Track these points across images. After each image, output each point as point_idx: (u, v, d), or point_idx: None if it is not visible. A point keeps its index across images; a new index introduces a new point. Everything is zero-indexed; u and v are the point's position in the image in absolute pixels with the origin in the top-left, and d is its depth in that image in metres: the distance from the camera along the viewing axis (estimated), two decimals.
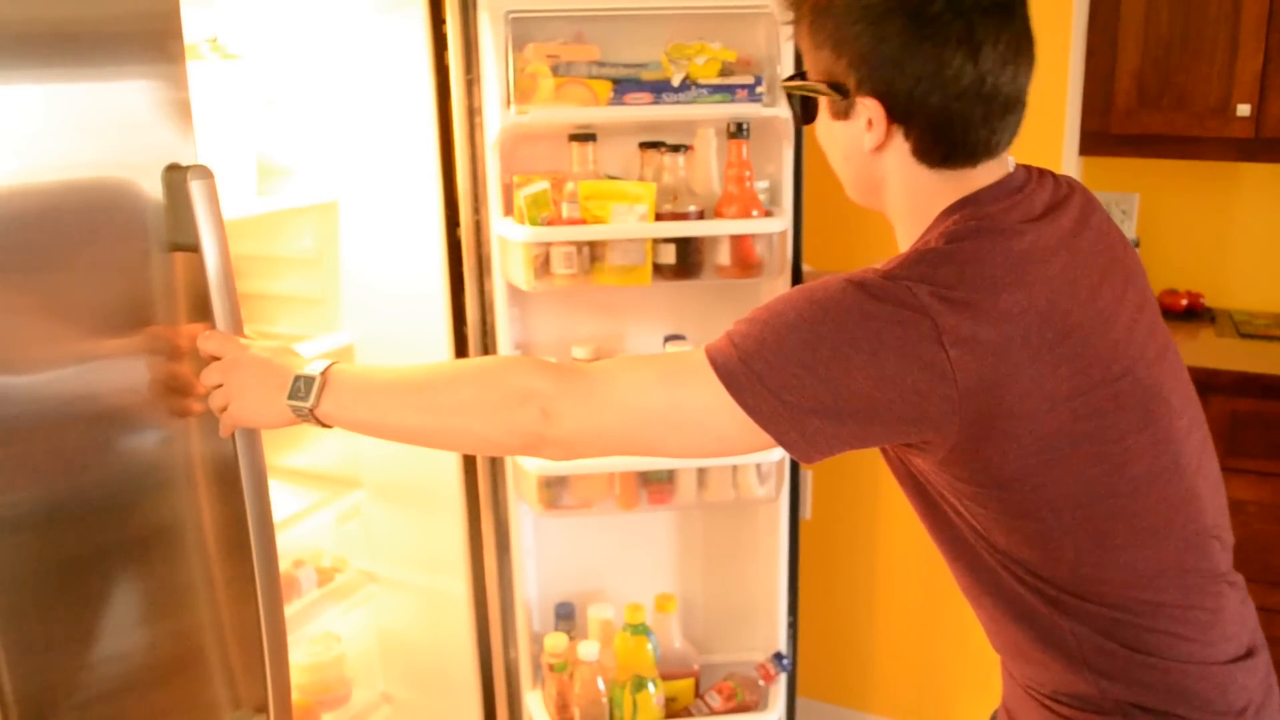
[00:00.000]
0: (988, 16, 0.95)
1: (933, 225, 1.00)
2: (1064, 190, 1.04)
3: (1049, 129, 2.19)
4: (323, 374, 1.06)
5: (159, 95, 1.02)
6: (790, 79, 1.09)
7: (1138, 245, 2.84)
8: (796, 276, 1.81)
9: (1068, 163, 2.26)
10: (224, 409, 1.08)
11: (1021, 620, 1.03)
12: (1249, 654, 1.03)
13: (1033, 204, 0.99)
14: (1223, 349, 2.44)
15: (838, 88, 1.01)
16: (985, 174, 1.01)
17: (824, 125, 1.07)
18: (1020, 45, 0.98)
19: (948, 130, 0.97)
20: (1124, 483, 0.96)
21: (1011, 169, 1.03)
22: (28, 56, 0.88)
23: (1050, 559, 0.98)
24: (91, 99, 0.95)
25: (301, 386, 1.05)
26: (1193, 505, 1.01)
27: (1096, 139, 2.53)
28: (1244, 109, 2.38)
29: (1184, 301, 2.73)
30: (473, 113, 1.73)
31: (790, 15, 1.07)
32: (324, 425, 1.08)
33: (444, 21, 1.67)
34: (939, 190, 1.01)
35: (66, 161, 0.93)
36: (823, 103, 1.05)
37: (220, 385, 1.07)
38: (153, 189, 1.02)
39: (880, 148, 1.01)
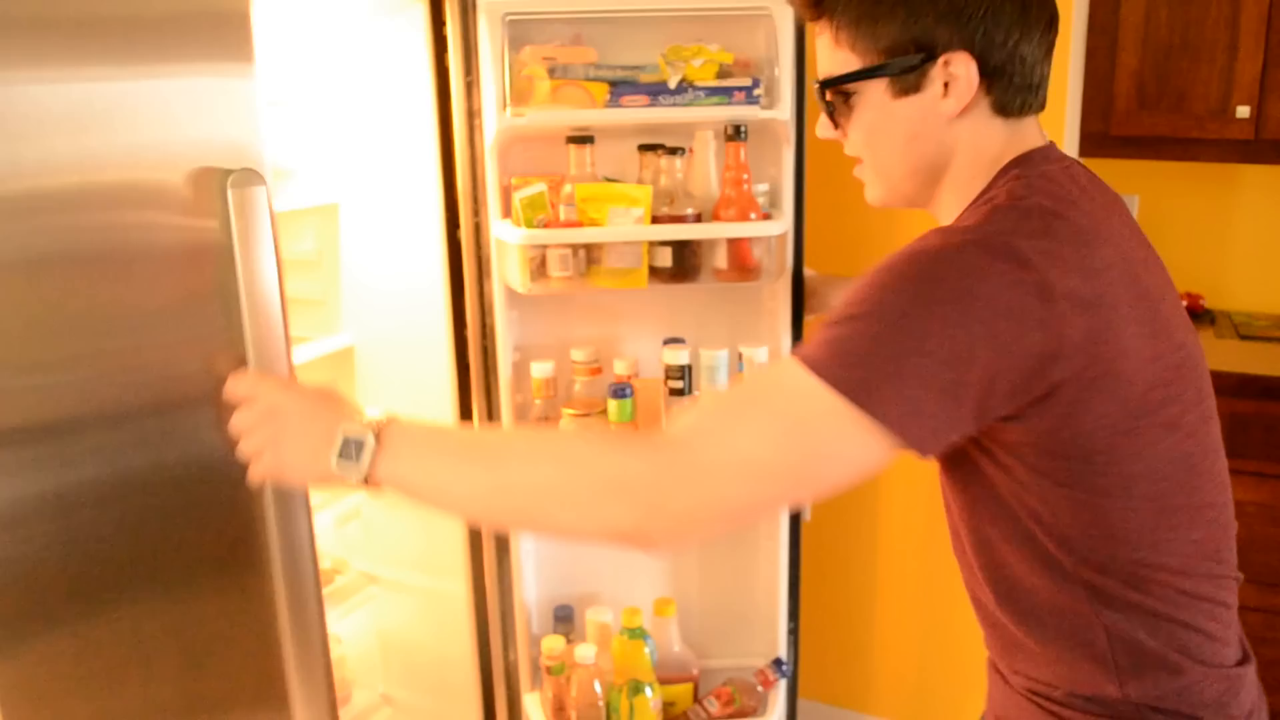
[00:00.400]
0: None
1: (991, 185, 0.97)
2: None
3: (1049, 130, 2.18)
4: (376, 433, 0.95)
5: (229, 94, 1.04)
6: (829, 82, 1.02)
7: None
8: (798, 280, 1.80)
9: None
10: (258, 456, 0.99)
11: (1055, 615, 0.99)
12: (1246, 659, 1.03)
13: (1075, 170, 0.99)
14: (1223, 350, 2.44)
15: (911, 56, 0.95)
16: (1035, 127, 1.01)
17: (877, 114, 1.01)
18: None
19: (1029, 75, 0.97)
20: (1185, 458, 0.95)
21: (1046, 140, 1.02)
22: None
23: (1113, 540, 0.94)
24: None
25: (352, 447, 0.95)
26: (1228, 489, 1.01)
27: (1096, 140, 2.54)
28: (1244, 111, 2.39)
29: (1184, 303, 2.74)
30: (472, 115, 1.73)
31: (815, 3, 1.01)
32: (374, 489, 0.97)
33: (444, 24, 1.68)
34: (1006, 143, 0.99)
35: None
36: (876, 88, 0.99)
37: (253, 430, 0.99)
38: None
39: (964, 111, 0.97)
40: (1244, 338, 2.53)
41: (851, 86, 1.00)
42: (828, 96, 1.03)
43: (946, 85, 0.96)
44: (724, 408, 0.90)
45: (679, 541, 0.89)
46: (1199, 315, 2.73)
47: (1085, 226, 0.91)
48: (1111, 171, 2.78)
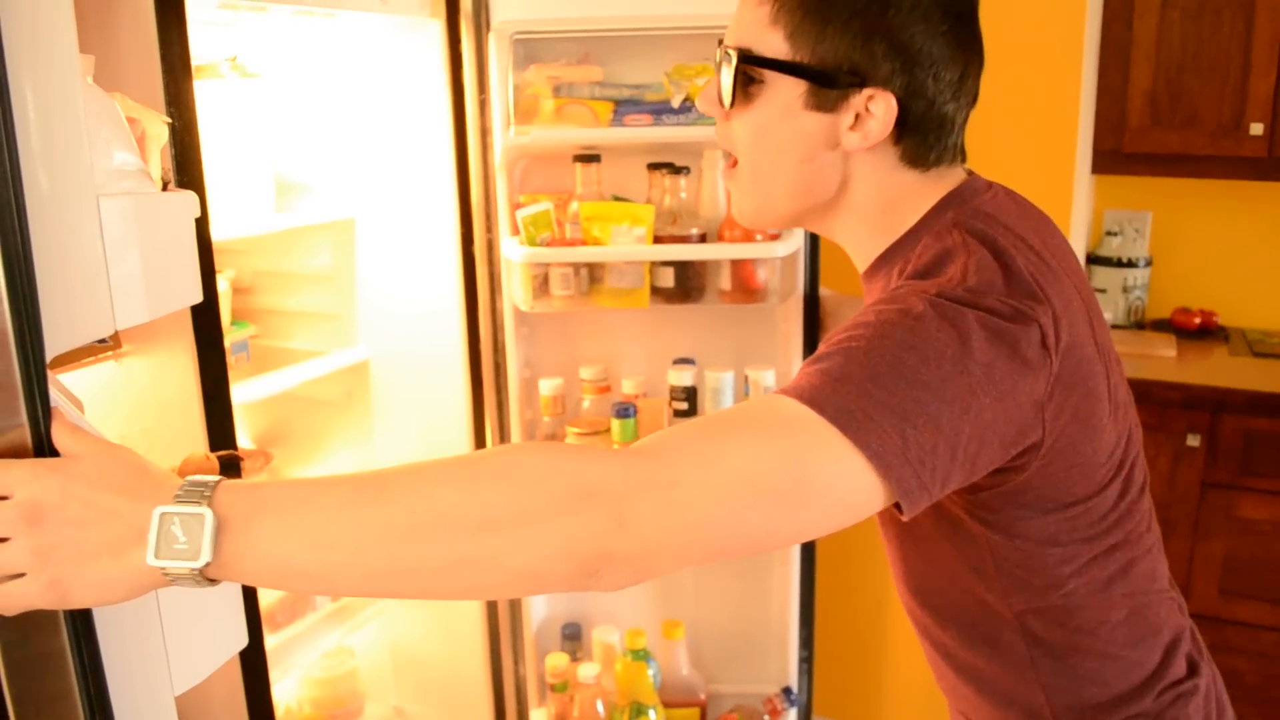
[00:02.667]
0: (974, 22, 0.94)
1: (925, 224, 0.94)
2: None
3: (1061, 148, 2.19)
4: (208, 499, 0.68)
5: None
6: (749, 57, 0.91)
7: (1150, 264, 2.83)
8: (811, 300, 1.80)
9: (1080, 181, 2.26)
10: (18, 578, 0.69)
11: (989, 681, 1.01)
12: (1193, 673, 1.02)
13: (1000, 195, 0.97)
14: (1236, 368, 2.43)
15: (838, 75, 0.88)
16: (957, 173, 0.98)
17: (774, 115, 0.92)
18: None
19: (947, 135, 0.94)
20: (1137, 483, 0.96)
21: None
22: None
23: (1053, 585, 0.94)
24: None
25: (177, 530, 0.67)
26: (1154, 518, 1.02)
27: (1109, 158, 2.54)
28: (1257, 128, 2.39)
29: (1197, 320, 2.73)
30: (485, 132, 1.75)
31: None
32: (213, 583, 0.70)
33: (460, 42, 1.69)
34: (922, 191, 0.95)
35: None
36: (788, 88, 0.91)
37: (6, 540, 0.68)
38: None
39: (867, 149, 0.92)
40: (1258, 355, 2.53)
41: (767, 73, 0.91)
42: (735, 72, 0.92)
43: (858, 117, 0.90)
44: (706, 424, 0.79)
45: (645, 569, 0.73)
46: (1212, 332, 2.73)
47: (1038, 257, 0.89)
48: (1124, 189, 2.80)
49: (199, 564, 0.67)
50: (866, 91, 0.89)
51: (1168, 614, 1.01)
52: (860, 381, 0.77)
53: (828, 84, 0.89)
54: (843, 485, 0.76)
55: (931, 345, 0.79)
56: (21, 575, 0.69)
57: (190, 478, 0.70)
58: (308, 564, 0.69)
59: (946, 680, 1.09)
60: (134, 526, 0.68)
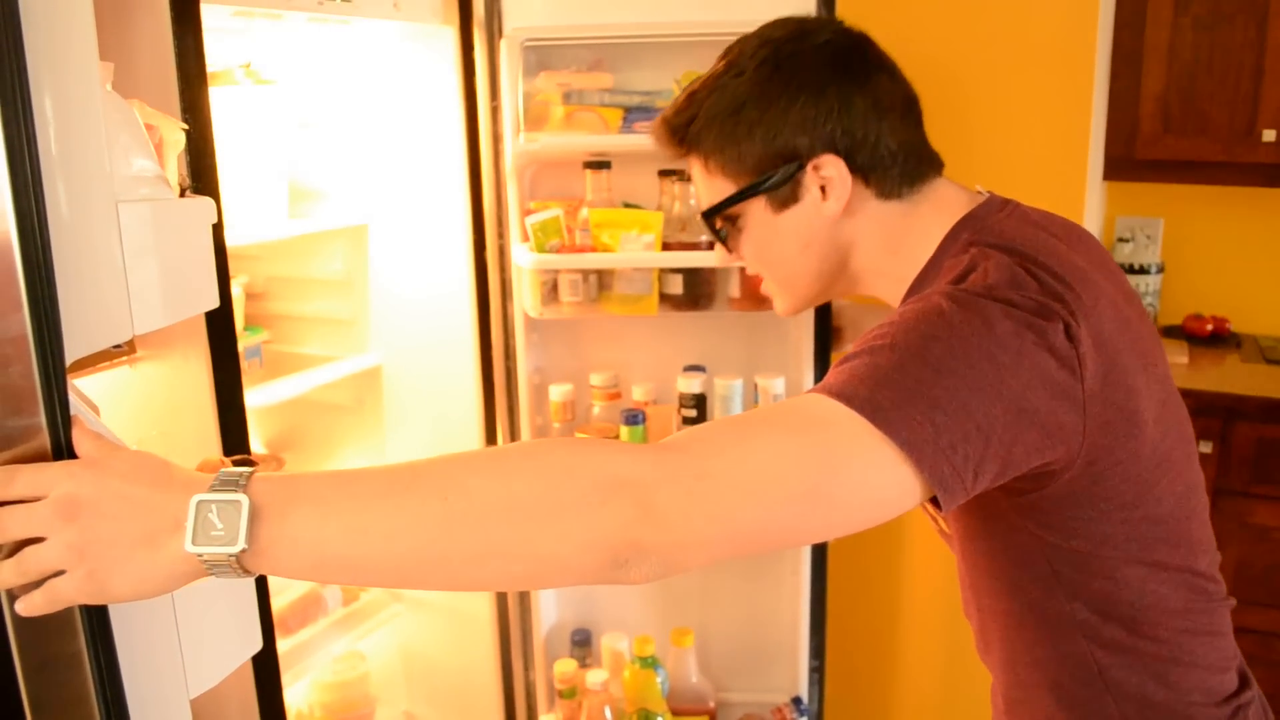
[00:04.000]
0: (869, 46, 1.01)
1: (942, 254, 0.96)
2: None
3: (1073, 154, 2.19)
4: (243, 487, 0.70)
5: None
6: (710, 211, 1.05)
7: (1162, 270, 2.83)
8: (823, 308, 1.79)
9: (1092, 188, 2.26)
10: (61, 576, 0.70)
11: (1060, 686, 0.99)
12: (1245, 685, 1.02)
13: (1017, 211, 0.99)
14: (1249, 375, 2.43)
15: (778, 171, 0.98)
16: (953, 191, 1.01)
17: (763, 230, 1.03)
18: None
19: (903, 156, 0.98)
20: (1188, 483, 0.95)
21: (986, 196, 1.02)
22: None
23: (1114, 584, 0.93)
24: None
25: (215, 517, 0.68)
26: (1209, 524, 1.00)
27: (1121, 164, 2.54)
28: (1269, 134, 2.38)
29: (1209, 327, 2.72)
30: (497, 139, 1.75)
31: (677, 135, 1.04)
32: (249, 574, 0.71)
33: (473, 48, 1.70)
34: (915, 216, 0.99)
35: None
36: (756, 207, 1.02)
37: (43, 541, 0.70)
38: None
39: (847, 208, 0.99)
40: (1270, 361, 2.52)
41: (733, 210, 1.03)
42: (717, 225, 1.06)
43: (824, 188, 0.98)
44: (737, 421, 0.80)
45: (673, 561, 0.73)
46: (1225, 339, 2.72)
47: (1066, 259, 0.89)
48: (1136, 195, 2.80)
49: (236, 549, 0.68)
50: (810, 166, 0.98)
51: (1224, 623, 1.00)
52: (888, 373, 0.78)
53: (775, 184, 0.99)
54: (874, 480, 0.76)
55: (957, 335, 0.80)
56: (60, 573, 0.70)
57: (223, 470, 0.71)
58: (340, 552, 0.70)
59: (1019, 691, 1.06)
60: (170, 516, 0.69)
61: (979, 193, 1.02)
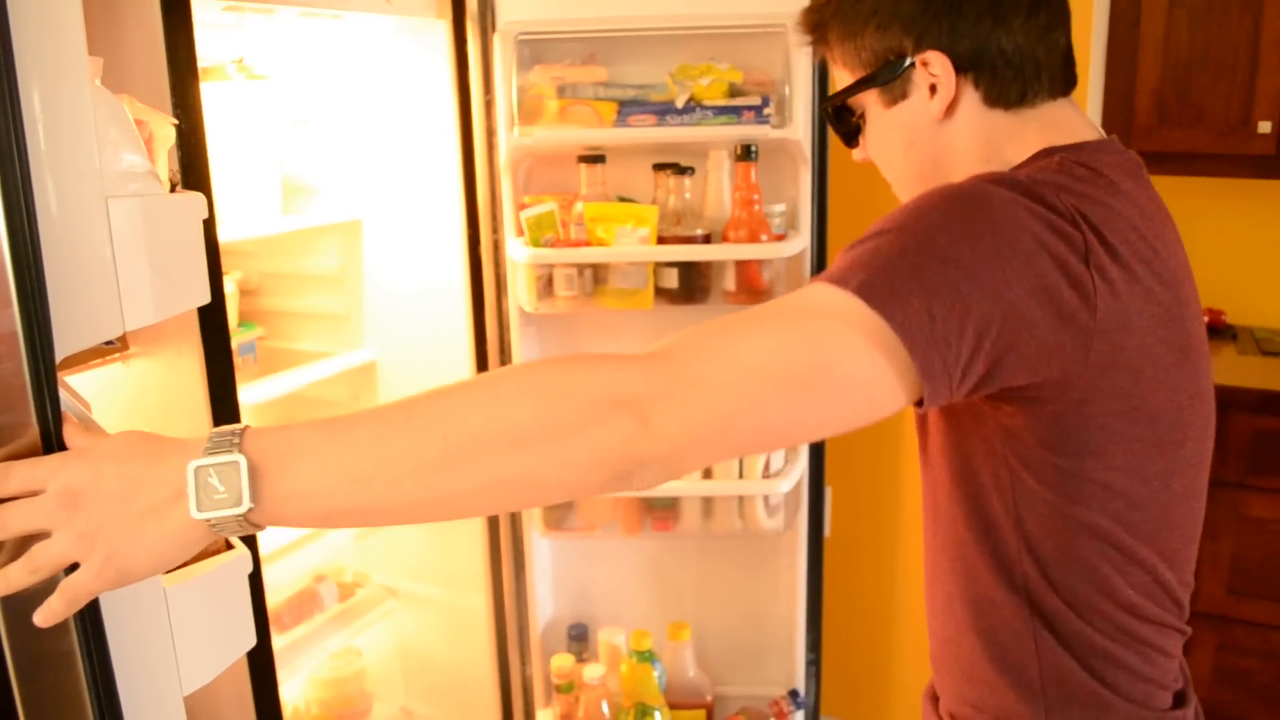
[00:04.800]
0: None
1: (1028, 163, 0.92)
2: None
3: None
4: (237, 446, 0.69)
5: None
6: (827, 100, 1.05)
7: None
8: None
9: None
10: (75, 572, 0.70)
11: (995, 631, 0.97)
12: (1181, 703, 0.99)
13: (1129, 161, 0.95)
14: (1245, 367, 2.43)
15: (889, 65, 0.96)
16: (1073, 118, 0.97)
17: (877, 126, 1.01)
18: None
19: (1018, 63, 0.94)
20: (1168, 495, 0.92)
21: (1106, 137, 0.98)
22: None
23: (1072, 557, 0.91)
24: None
25: (215, 481, 0.68)
26: (1195, 546, 0.98)
27: None
28: (1265, 126, 2.38)
29: (1205, 319, 2.72)
30: (491, 133, 1.75)
31: (811, 24, 1.04)
32: (258, 529, 0.72)
33: (466, 43, 1.70)
34: (1020, 131, 0.96)
35: None
36: (871, 101, 1.00)
37: (49, 534, 0.69)
38: None
39: (950, 108, 0.96)
40: (1266, 354, 2.52)
41: (850, 103, 1.02)
42: (842, 119, 1.05)
43: (933, 87, 0.96)
44: (730, 321, 0.79)
45: (674, 468, 0.74)
46: (1221, 331, 2.72)
47: (1131, 219, 0.86)
48: None
49: (242, 510, 0.68)
50: (918, 62, 0.95)
51: (1171, 645, 0.97)
52: (890, 257, 0.77)
53: (886, 78, 0.97)
54: (864, 370, 0.75)
55: (967, 225, 0.78)
56: (75, 566, 0.70)
57: (214, 430, 0.71)
58: (347, 501, 0.70)
59: (951, 628, 1.05)
60: (171, 486, 0.69)
61: (1107, 136, 0.98)
